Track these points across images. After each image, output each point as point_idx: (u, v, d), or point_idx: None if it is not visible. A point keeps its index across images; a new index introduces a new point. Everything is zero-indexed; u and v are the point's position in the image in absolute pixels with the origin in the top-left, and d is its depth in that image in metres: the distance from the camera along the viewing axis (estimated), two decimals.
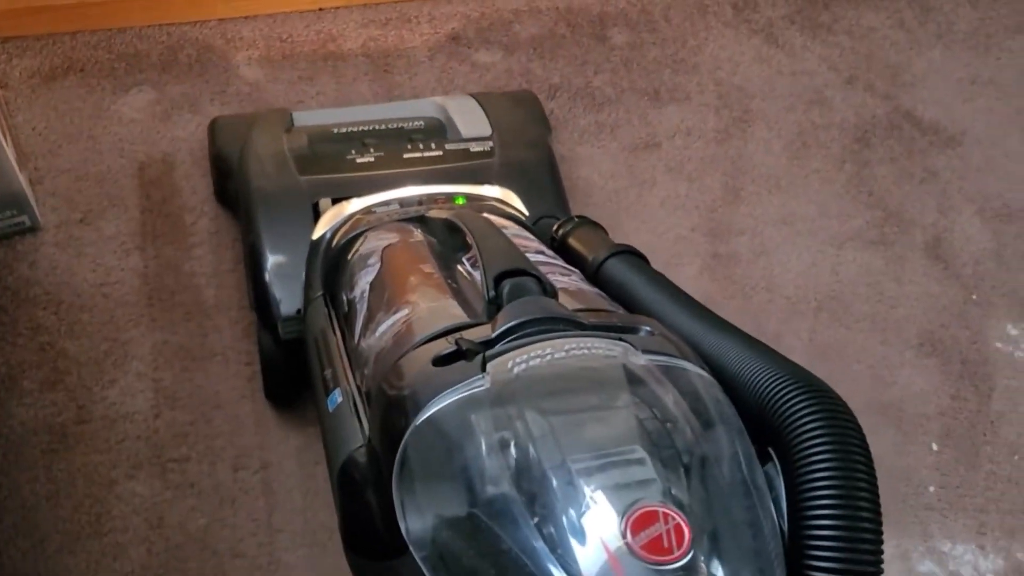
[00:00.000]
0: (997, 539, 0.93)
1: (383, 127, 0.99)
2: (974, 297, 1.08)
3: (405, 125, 1.00)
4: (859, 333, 1.04)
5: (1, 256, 0.93)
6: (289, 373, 0.82)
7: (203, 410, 0.89)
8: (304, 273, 0.83)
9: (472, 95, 1.06)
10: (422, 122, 1.01)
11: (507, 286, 0.55)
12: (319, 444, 0.72)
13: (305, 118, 1.00)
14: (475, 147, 0.97)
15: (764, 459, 0.50)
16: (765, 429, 0.50)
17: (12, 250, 0.94)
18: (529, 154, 0.99)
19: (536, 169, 0.97)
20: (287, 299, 0.83)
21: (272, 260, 0.85)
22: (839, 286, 1.07)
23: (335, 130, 0.98)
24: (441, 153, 0.95)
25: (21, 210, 0.92)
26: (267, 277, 0.84)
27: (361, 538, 0.55)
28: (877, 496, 0.46)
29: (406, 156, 0.94)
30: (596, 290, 0.67)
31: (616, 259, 0.74)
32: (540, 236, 0.83)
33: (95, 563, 0.80)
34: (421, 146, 0.95)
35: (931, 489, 0.95)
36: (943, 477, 0.96)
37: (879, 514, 0.45)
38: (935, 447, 0.98)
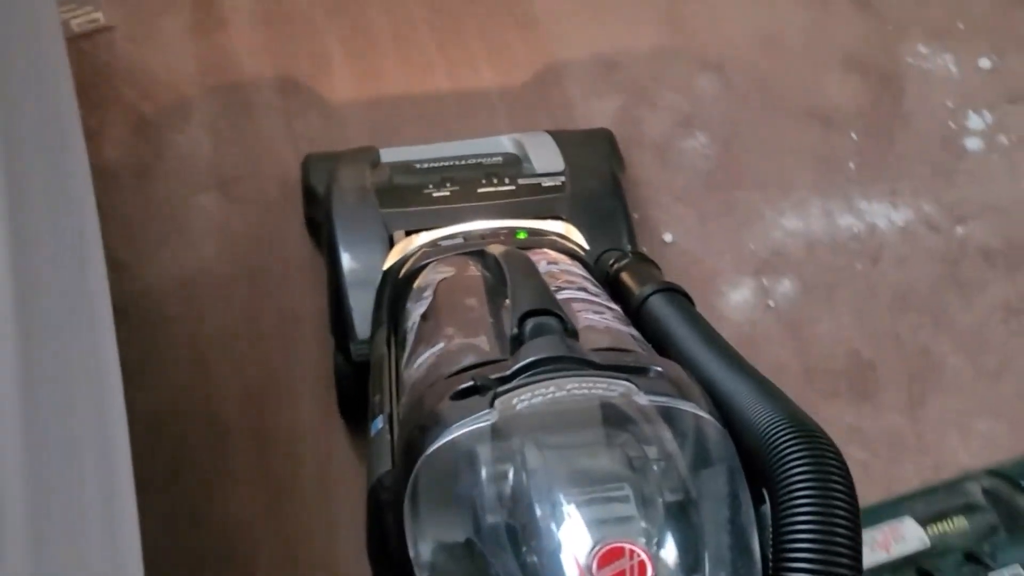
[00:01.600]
0: (906, 198, 1.13)
1: (463, 162, 1.03)
2: (890, 28, 1.27)
3: (484, 160, 1.03)
4: (794, 57, 1.23)
5: (87, 47, 1.17)
6: (361, 393, 0.84)
7: (254, 150, 1.12)
8: (374, 300, 0.88)
9: (550, 131, 1.08)
10: (500, 157, 1.04)
11: (530, 324, 0.56)
12: None
13: (391, 154, 1.04)
14: (547, 182, 0.99)
15: (761, 500, 0.51)
16: (762, 470, 0.51)
17: (92, 42, 1.17)
18: (598, 188, 1.01)
19: (603, 203, 1.00)
20: (361, 323, 0.89)
21: (350, 287, 0.91)
22: (775, 26, 1.26)
23: (417, 165, 1.02)
24: (514, 188, 0.98)
25: (96, 6, 1.15)
26: (344, 302, 0.91)
27: (383, 558, 0.58)
28: (857, 542, 0.46)
29: (480, 190, 0.97)
30: (629, 329, 0.67)
31: (658, 296, 0.75)
32: (599, 269, 0.86)
33: (180, 252, 1.04)
34: (495, 180, 0.98)
35: (851, 166, 1.15)
36: (862, 157, 1.16)
37: (858, 560, 0.46)
38: (855, 137, 1.18)
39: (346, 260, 0.92)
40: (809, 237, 1.10)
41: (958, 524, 0.89)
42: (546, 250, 0.83)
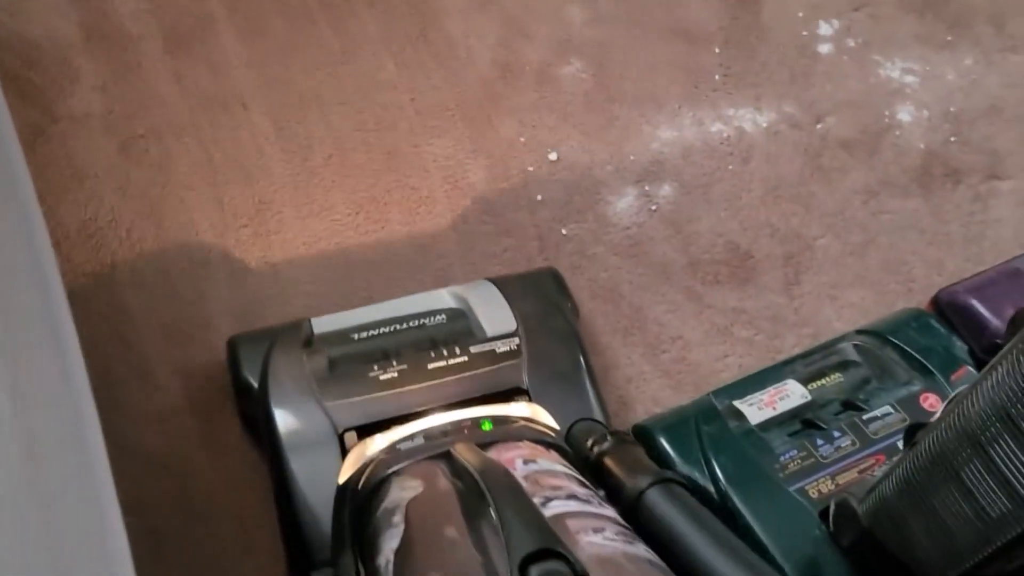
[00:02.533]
0: (769, 103, 1.23)
1: (404, 325, 0.94)
2: None
3: (426, 321, 0.95)
4: None
5: None
6: None
7: (148, 108, 1.14)
8: (333, 518, 0.77)
9: (491, 280, 0.99)
10: (443, 316, 0.95)
11: (534, 573, 0.50)
12: None
13: (324, 324, 0.94)
14: (501, 347, 0.91)
15: None
16: None
17: None
18: (557, 349, 0.92)
19: (566, 366, 0.92)
20: (319, 543, 0.79)
21: (301, 503, 0.81)
22: None
23: (355, 336, 0.93)
24: (466, 359, 0.89)
25: None
26: (298, 520, 0.81)
27: None
28: None
29: (430, 366, 0.89)
30: (635, 547, 0.61)
31: (656, 491, 0.71)
32: (575, 448, 0.81)
33: (82, 205, 1.06)
34: (445, 352, 0.90)
35: (717, 77, 1.24)
36: (726, 68, 1.25)
37: None
38: (718, 51, 1.26)
39: (296, 469, 0.82)
40: (684, 144, 1.18)
41: (834, 379, 0.98)
42: (518, 444, 0.76)
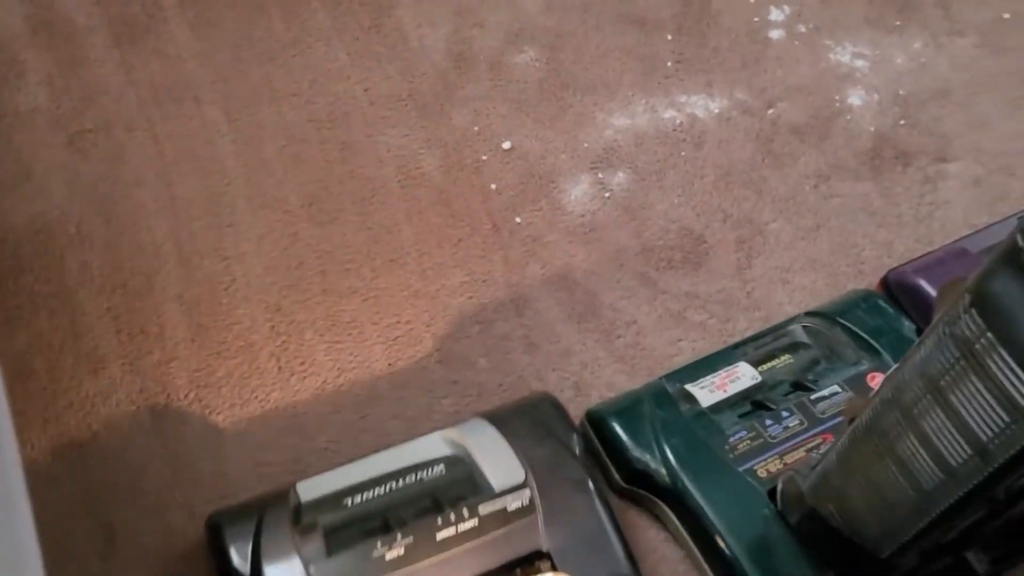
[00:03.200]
0: (721, 89, 1.23)
1: (400, 482, 0.85)
2: None
3: (424, 474, 0.86)
4: None
5: None
6: None
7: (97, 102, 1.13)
8: None
9: (486, 416, 0.91)
10: (442, 466, 0.87)
11: None
12: None
13: (311, 489, 0.85)
14: (512, 503, 0.83)
15: None
16: None
17: None
18: (575, 501, 0.85)
19: (588, 522, 0.85)
20: None
21: None
22: None
23: (348, 501, 0.84)
24: (477, 523, 0.81)
25: None
26: None
27: None
28: None
29: (439, 536, 0.80)
30: None
31: None
32: None
33: (30, 200, 1.05)
34: (453, 516, 0.81)
35: (669, 64, 1.25)
36: (678, 55, 1.25)
37: None
38: (670, 37, 1.27)
39: None
40: (637, 131, 1.19)
41: (784, 360, 1.00)
42: None
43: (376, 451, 0.89)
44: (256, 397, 0.97)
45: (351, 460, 0.88)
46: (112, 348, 0.97)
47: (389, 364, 1.01)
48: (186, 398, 0.96)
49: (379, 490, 0.84)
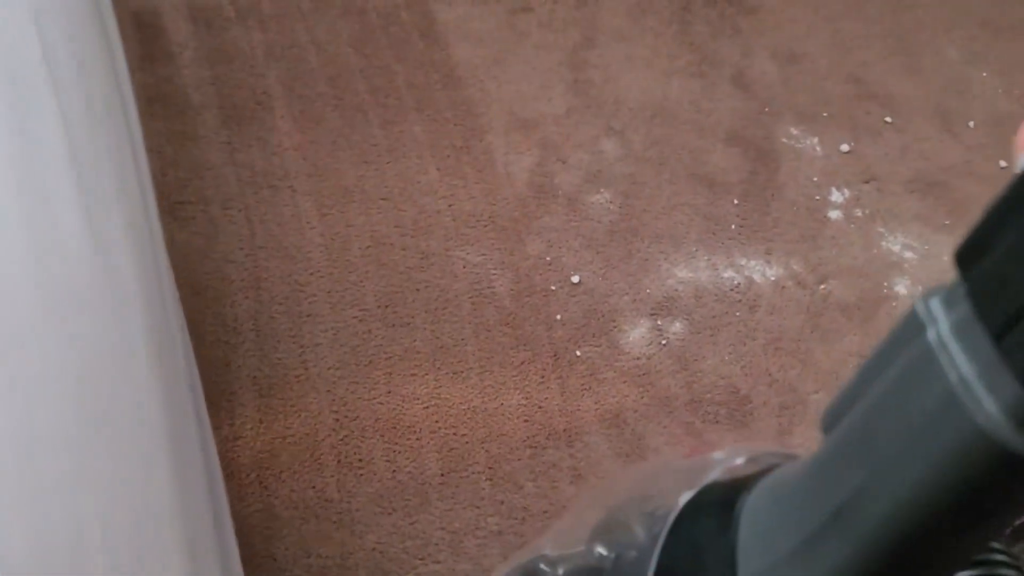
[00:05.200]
0: (779, 258, 1.31)
1: None
2: (767, 110, 1.46)
3: None
4: (683, 132, 1.41)
5: None
6: None
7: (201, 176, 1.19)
8: None
9: None
10: None
11: None
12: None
13: None
14: None
15: None
16: None
17: None
18: None
19: None
20: None
21: None
22: (668, 102, 1.44)
23: None
24: None
25: None
26: None
27: None
28: None
29: None
30: None
31: None
32: None
33: None
34: None
35: (733, 227, 1.32)
36: (742, 220, 1.33)
37: None
38: (736, 202, 1.35)
39: None
40: (697, 285, 1.26)
41: None
42: None
43: None
44: (313, 487, 1.00)
45: None
46: None
47: (442, 474, 1.04)
48: (247, 478, 0.99)
49: None
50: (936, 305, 0.31)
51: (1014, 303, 0.28)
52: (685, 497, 0.41)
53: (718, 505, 0.40)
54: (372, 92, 1.32)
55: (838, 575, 0.34)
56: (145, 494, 0.47)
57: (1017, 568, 0.44)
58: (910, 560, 0.33)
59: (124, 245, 0.52)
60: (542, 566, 0.48)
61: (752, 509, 0.39)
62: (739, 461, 0.42)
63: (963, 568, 0.42)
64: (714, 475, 0.41)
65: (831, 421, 0.36)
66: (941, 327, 0.30)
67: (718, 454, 0.42)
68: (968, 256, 0.30)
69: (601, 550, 0.44)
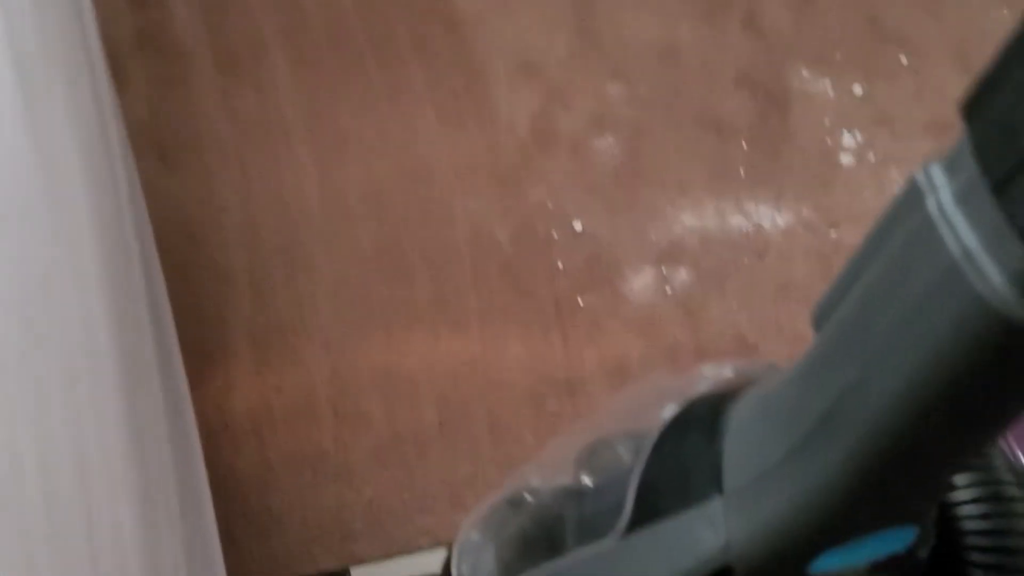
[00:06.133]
0: (789, 204, 1.27)
1: None
2: (778, 52, 1.41)
3: None
4: (691, 76, 1.36)
5: None
6: None
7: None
8: None
9: None
10: None
11: None
12: None
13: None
14: None
15: None
16: None
17: None
18: None
19: None
20: None
21: None
22: (675, 46, 1.39)
23: None
24: None
25: None
26: None
27: None
28: None
29: None
30: None
31: None
32: None
33: None
34: None
35: (741, 172, 1.29)
36: (751, 166, 1.29)
37: None
38: (745, 147, 1.31)
39: None
40: (704, 232, 1.22)
41: None
42: None
43: (431, 548, 0.90)
44: (310, 439, 0.99)
45: (406, 553, 0.89)
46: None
47: (440, 426, 1.02)
48: (242, 429, 0.98)
49: None
50: (937, 172, 0.29)
51: (1021, 150, 0.25)
52: (669, 412, 0.38)
53: (703, 418, 0.37)
54: (370, 37, 1.28)
55: (829, 483, 0.32)
56: (93, 428, 0.45)
57: (1019, 477, 0.41)
58: (905, 463, 0.31)
59: (76, 166, 0.50)
60: (527, 496, 0.46)
61: (738, 419, 0.37)
62: (728, 373, 0.40)
63: (961, 472, 0.39)
64: (702, 389, 0.39)
65: (822, 315, 0.34)
66: (942, 195, 0.28)
67: (707, 368, 0.40)
68: (975, 105, 0.27)
69: (586, 478, 0.42)
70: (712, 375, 0.40)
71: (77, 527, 0.41)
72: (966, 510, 0.40)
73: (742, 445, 0.35)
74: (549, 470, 0.46)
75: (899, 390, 0.29)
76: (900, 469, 0.31)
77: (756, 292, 1.19)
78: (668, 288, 1.17)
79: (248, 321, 1.04)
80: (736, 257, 1.21)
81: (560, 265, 1.16)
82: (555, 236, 1.18)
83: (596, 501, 0.40)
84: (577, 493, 0.41)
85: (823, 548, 0.34)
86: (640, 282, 1.17)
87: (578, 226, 1.19)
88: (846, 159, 1.33)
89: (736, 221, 1.24)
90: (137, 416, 0.49)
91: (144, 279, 0.60)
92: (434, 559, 0.91)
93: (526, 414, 1.05)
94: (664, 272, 1.18)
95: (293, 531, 0.93)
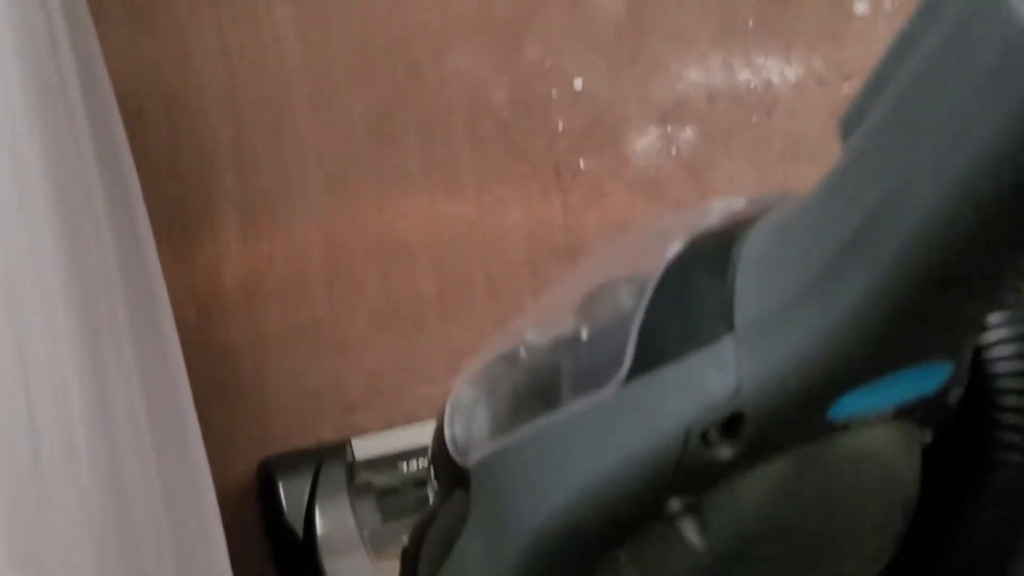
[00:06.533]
0: (799, 56, 1.21)
1: None
2: None
3: None
4: None
5: None
6: None
7: None
8: None
9: None
10: None
11: None
12: None
13: (366, 447, 0.85)
14: None
15: None
16: None
17: None
18: None
19: None
20: None
21: None
22: None
23: (404, 467, 0.83)
24: None
25: None
26: None
27: None
28: None
29: None
30: None
31: None
32: None
33: None
34: None
35: (749, 24, 1.21)
36: (759, 16, 1.22)
37: None
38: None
39: None
40: (710, 89, 1.16)
41: None
42: None
43: (433, 418, 0.88)
44: (304, 310, 0.96)
45: (407, 424, 0.87)
46: (164, 238, 0.96)
47: (439, 294, 1.00)
48: (233, 301, 0.95)
49: None
50: None
51: None
52: (674, 249, 0.34)
53: (712, 252, 0.33)
54: None
55: (857, 313, 0.28)
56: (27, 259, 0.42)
57: None
58: (944, 289, 0.27)
59: None
60: (522, 351, 0.43)
61: (752, 250, 0.32)
62: (740, 206, 0.35)
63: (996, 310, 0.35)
64: (710, 223, 0.35)
65: (852, 121, 0.29)
66: None
67: (716, 201, 0.36)
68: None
69: (584, 326, 0.38)
70: (721, 208, 0.36)
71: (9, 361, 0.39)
72: (998, 351, 0.37)
73: (756, 277, 0.31)
74: (546, 322, 0.43)
75: (946, 198, 0.24)
76: (937, 296, 0.27)
77: (764, 151, 1.14)
78: (673, 148, 1.12)
79: (234, 191, 0.99)
80: (744, 114, 1.16)
81: (560, 126, 1.10)
82: (554, 96, 1.12)
83: (594, 350, 0.36)
84: (573, 342, 0.38)
85: (846, 388, 0.30)
86: (644, 143, 1.12)
87: (578, 85, 1.13)
88: (860, 7, 1.25)
89: (744, 76, 1.18)
90: (76, 244, 0.46)
91: (94, 118, 0.56)
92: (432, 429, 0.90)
93: (526, 281, 1.02)
94: (669, 131, 1.13)
95: (291, 404, 0.91)
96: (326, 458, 0.84)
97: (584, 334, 0.37)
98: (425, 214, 1.03)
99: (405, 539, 0.77)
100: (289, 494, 0.82)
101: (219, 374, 0.92)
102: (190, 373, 0.90)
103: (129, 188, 0.63)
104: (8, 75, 0.46)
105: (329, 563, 0.77)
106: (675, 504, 0.33)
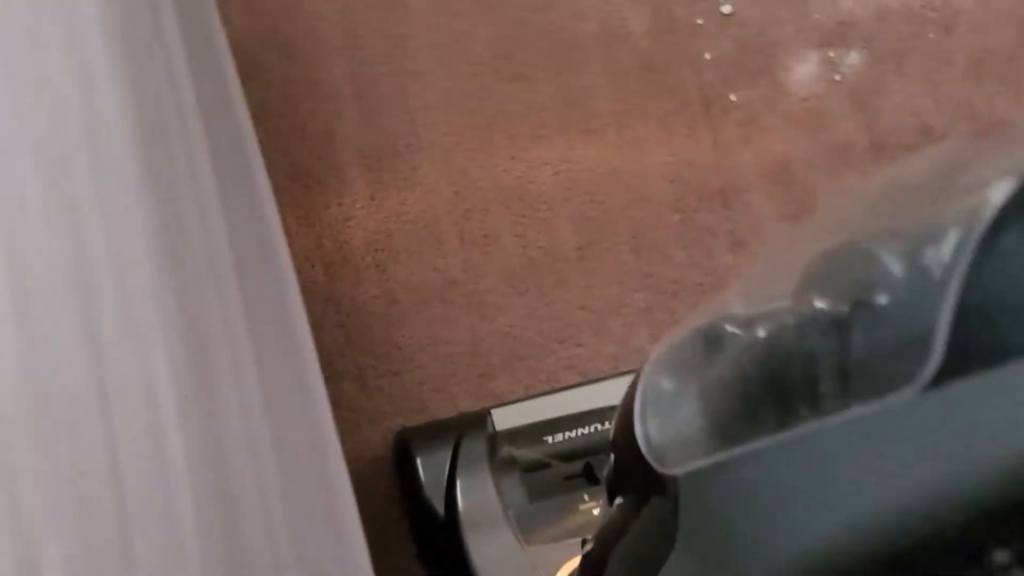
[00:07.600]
0: None
1: (606, 424, 0.79)
2: None
3: None
4: None
5: None
6: None
7: None
8: None
9: None
10: None
11: None
12: None
13: (507, 418, 0.80)
14: None
15: None
16: None
17: None
18: None
19: None
20: None
21: None
22: None
23: (548, 439, 0.79)
24: None
25: None
26: None
27: None
28: None
29: None
30: None
31: None
32: None
33: None
34: None
35: None
36: None
37: None
38: None
39: None
40: (879, 4, 1.03)
41: None
42: None
43: (578, 385, 0.82)
44: (436, 268, 0.89)
45: (550, 391, 0.81)
46: (287, 197, 0.90)
47: (579, 248, 0.91)
48: (363, 261, 0.89)
49: (581, 429, 0.78)
50: None
51: None
52: (1000, 191, 0.24)
53: None
54: None
55: None
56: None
57: None
58: None
59: None
60: (730, 328, 0.33)
61: None
62: None
63: None
64: None
65: None
66: None
67: None
68: None
69: (821, 303, 0.29)
70: None
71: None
72: None
73: None
74: (759, 295, 0.33)
75: None
76: None
77: (944, 72, 1.00)
78: (836, 75, 1.00)
79: (359, 141, 0.93)
80: (919, 31, 1.02)
81: (707, 55, 0.99)
82: (699, 22, 1.01)
83: (866, 334, 0.27)
84: (824, 322, 0.28)
85: None
86: (802, 70, 1.00)
87: (726, 8, 1.01)
88: None
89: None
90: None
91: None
92: (578, 396, 0.81)
93: (675, 230, 0.92)
94: (831, 56, 1.00)
95: (427, 368, 0.85)
96: (466, 432, 0.79)
97: (844, 310, 0.27)
98: (561, 160, 0.94)
99: (554, 528, 0.71)
100: (427, 468, 0.77)
101: (349, 339, 0.86)
102: (317, 341, 0.85)
103: (245, 146, 0.56)
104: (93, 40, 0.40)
105: (474, 547, 0.72)
106: (1002, 556, 0.23)
